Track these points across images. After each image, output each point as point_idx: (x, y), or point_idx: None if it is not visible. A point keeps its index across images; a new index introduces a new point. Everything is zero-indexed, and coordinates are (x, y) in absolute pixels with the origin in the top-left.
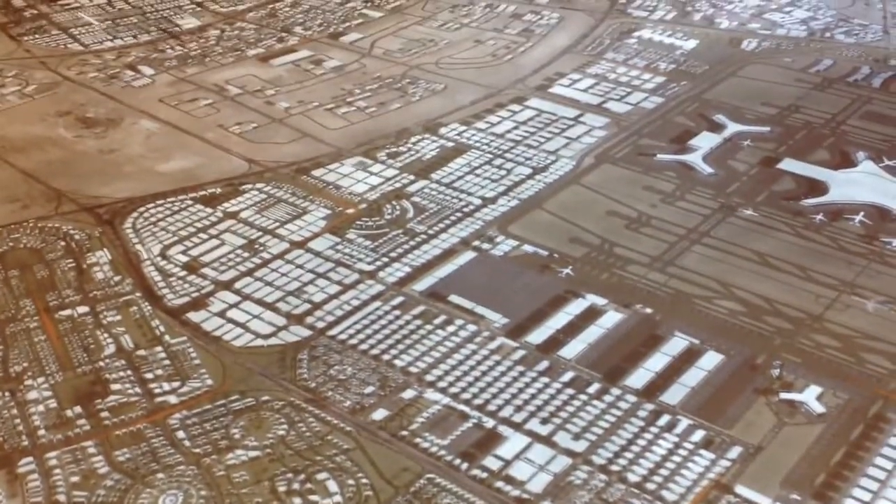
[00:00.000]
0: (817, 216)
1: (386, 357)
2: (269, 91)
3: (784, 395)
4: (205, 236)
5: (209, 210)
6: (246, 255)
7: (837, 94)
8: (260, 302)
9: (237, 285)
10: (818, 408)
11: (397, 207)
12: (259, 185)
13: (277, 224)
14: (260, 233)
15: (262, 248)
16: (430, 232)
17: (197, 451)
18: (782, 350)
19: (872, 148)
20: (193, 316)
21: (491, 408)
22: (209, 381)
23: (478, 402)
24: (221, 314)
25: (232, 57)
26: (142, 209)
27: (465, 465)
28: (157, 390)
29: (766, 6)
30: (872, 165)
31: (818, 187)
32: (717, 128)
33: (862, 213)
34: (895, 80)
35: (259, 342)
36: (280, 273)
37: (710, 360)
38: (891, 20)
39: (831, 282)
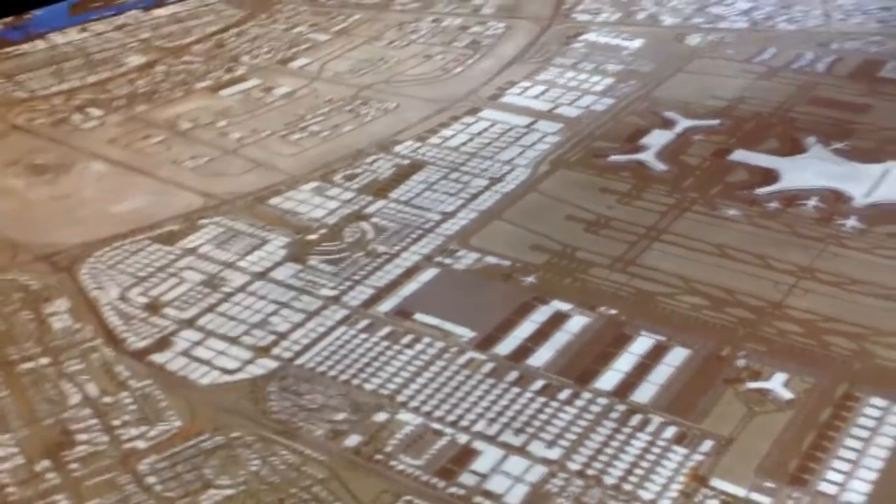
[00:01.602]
0: (771, 204)
1: (356, 381)
2: (221, 123)
3: (751, 385)
4: (164, 275)
5: (167, 248)
6: (207, 290)
7: (783, 81)
8: (224, 337)
9: (200, 322)
10: (786, 394)
11: (357, 230)
12: (216, 219)
13: (237, 257)
14: (220, 267)
15: (223, 282)
16: (392, 252)
17: (170, 494)
18: (747, 340)
19: (821, 132)
20: (158, 357)
21: (464, 423)
22: (178, 423)
23: (451, 418)
24: (186, 353)
25: (181, 91)
26: (98, 253)
27: (441, 484)
28: (125, 436)
29: (707, 0)
30: (822, 149)
31: (771, 175)
32: (667, 124)
33: (815, 198)
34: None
35: (226, 378)
36: (243, 306)
37: (677, 355)
38: (831, 4)
39: (790, 268)
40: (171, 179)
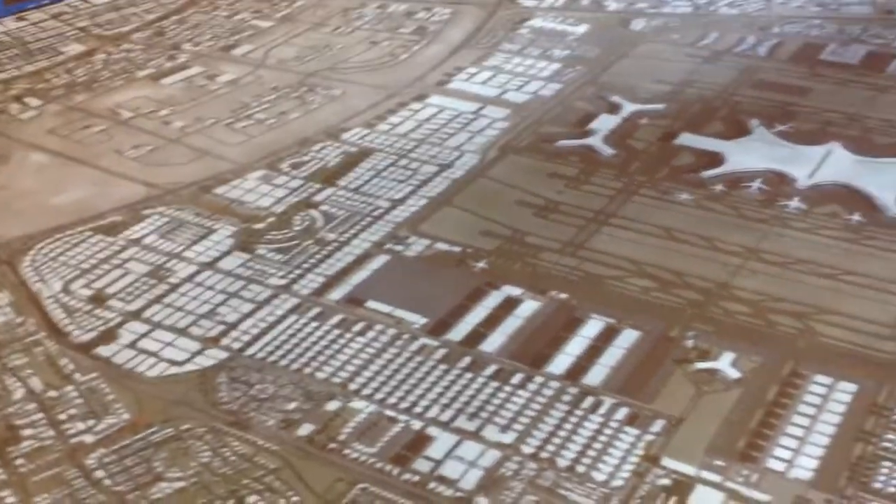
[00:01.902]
0: (717, 187)
1: (307, 370)
2: (164, 111)
3: (700, 365)
4: (108, 267)
5: (110, 239)
6: (153, 282)
7: (726, 65)
8: (171, 328)
9: (146, 314)
10: (734, 373)
11: (306, 218)
12: (160, 209)
13: (183, 247)
14: (166, 257)
15: (169, 273)
16: (342, 239)
17: (119, 488)
18: (695, 320)
19: (764, 115)
20: (103, 350)
21: (417, 409)
22: (125, 416)
23: (404, 405)
24: (132, 345)
25: (121, 80)
26: (40, 245)
27: (396, 471)
28: (72, 430)
29: None
30: (765, 132)
31: (716, 158)
32: (614, 109)
33: (759, 180)
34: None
35: (174, 370)
36: (190, 297)
37: (628, 337)
38: None
39: (736, 249)
40: (113, 169)
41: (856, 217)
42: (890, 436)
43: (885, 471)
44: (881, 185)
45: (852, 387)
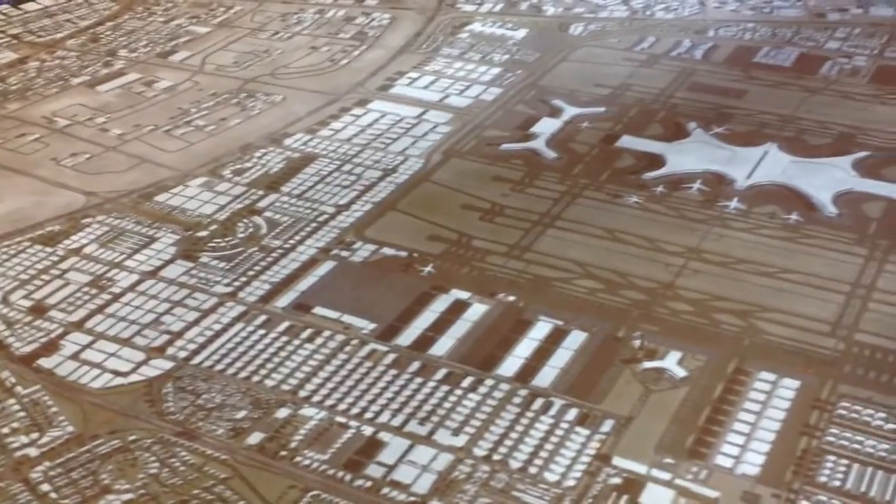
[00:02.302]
0: (658, 188)
1: (256, 378)
2: (100, 119)
3: (647, 364)
4: (47, 277)
5: (49, 249)
6: (94, 291)
7: (663, 68)
8: (115, 339)
9: (88, 324)
10: (680, 372)
11: (250, 224)
12: (100, 218)
13: (124, 256)
14: (107, 267)
15: (110, 282)
16: (287, 246)
17: (66, 501)
18: (641, 321)
19: (701, 117)
20: (45, 362)
21: (368, 415)
22: (70, 428)
23: (354, 411)
24: (75, 356)
25: (56, 87)
26: None
27: (348, 477)
28: (15, 444)
29: None
30: (703, 134)
31: (656, 160)
32: (555, 112)
33: (699, 181)
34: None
35: (119, 381)
36: (133, 306)
37: (576, 339)
38: None
39: (678, 249)
40: (51, 178)
41: (794, 217)
42: (833, 430)
43: (829, 465)
44: (817, 186)
45: (795, 383)
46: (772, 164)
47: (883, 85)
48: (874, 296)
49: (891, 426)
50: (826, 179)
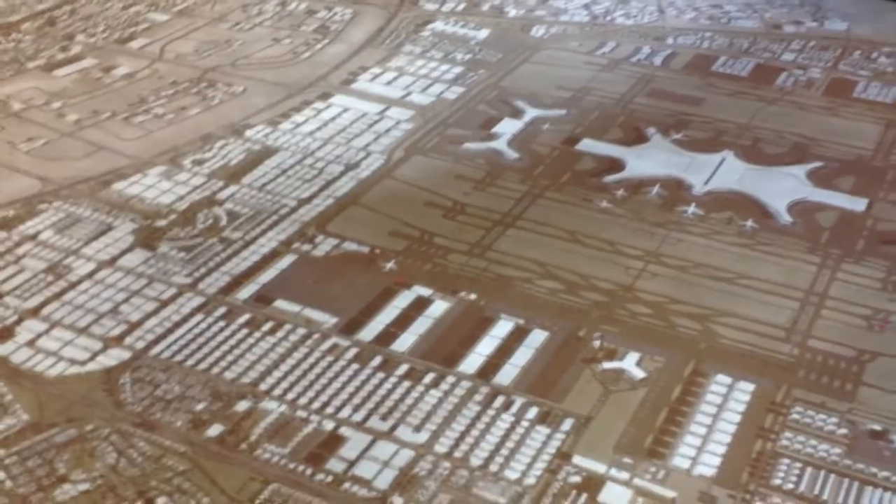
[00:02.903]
0: (618, 192)
1: (215, 370)
2: (57, 104)
3: (607, 365)
4: (2, 263)
5: (3, 234)
6: (51, 279)
7: (623, 74)
8: (72, 327)
9: (44, 312)
10: (639, 373)
11: (210, 215)
12: (56, 204)
13: (81, 243)
14: (63, 254)
15: (67, 269)
16: (247, 238)
17: (22, 490)
18: (601, 322)
19: (661, 123)
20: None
21: (329, 410)
22: (25, 417)
23: (315, 405)
24: (30, 344)
25: (10, 70)
26: None
27: (309, 471)
28: None
29: None
30: (662, 139)
31: (616, 164)
32: (517, 113)
33: (658, 185)
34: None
35: (76, 369)
36: (91, 294)
37: (537, 338)
38: (665, 0)
39: (637, 252)
40: (5, 163)
41: (749, 223)
42: (787, 434)
43: (783, 467)
44: (772, 194)
45: (751, 386)
46: (729, 171)
47: (836, 97)
48: (827, 303)
49: (843, 431)
50: (781, 188)
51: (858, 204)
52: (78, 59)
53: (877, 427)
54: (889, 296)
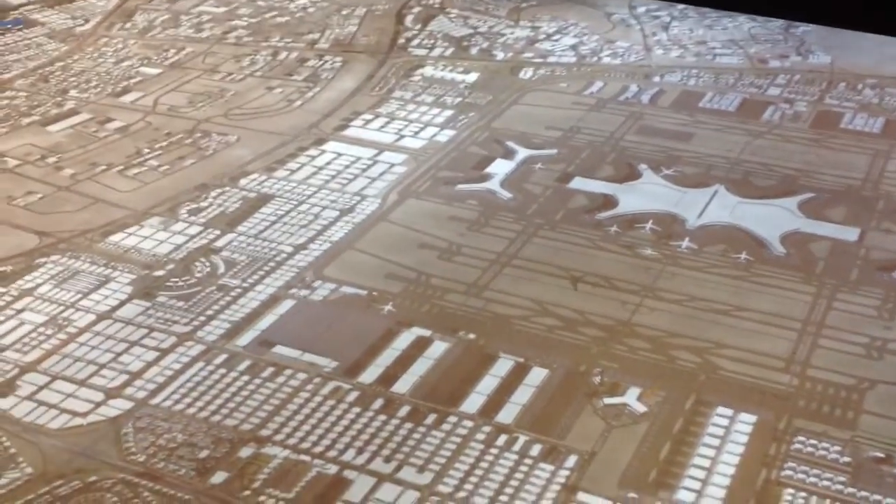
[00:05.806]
0: (612, 228)
1: (217, 418)
2: (52, 158)
3: (608, 400)
4: (1, 318)
5: (2, 290)
6: (50, 332)
7: (612, 112)
8: (72, 379)
9: (44, 365)
10: (640, 407)
11: (207, 264)
12: (54, 258)
13: (80, 296)
14: (62, 307)
15: (66, 322)
16: (245, 285)
17: None
18: (600, 357)
19: (651, 159)
20: (1, 403)
21: (332, 453)
22: (29, 470)
23: (318, 449)
24: (31, 397)
25: (5, 127)
26: None
27: None
28: None
29: (535, 36)
30: (653, 175)
31: (609, 201)
32: (509, 154)
33: (651, 221)
34: None
35: (78, 421)
36: (90, 346)
37: (537, 375)
38: (651, 39)
39: (634, 287)
40: (2, 218)
41: (743, 256)
42: (790, 464)
43: (788, 497)
44: (764, 226)
45: (752, 417)
46: (721, 205)
47: (823, 129)
48: (824, 332)
49: (846, 459)
50: (773, 220)
51: (850, 234)
52: (73, 114)
53: (880, 454)
54: (885, 323)
